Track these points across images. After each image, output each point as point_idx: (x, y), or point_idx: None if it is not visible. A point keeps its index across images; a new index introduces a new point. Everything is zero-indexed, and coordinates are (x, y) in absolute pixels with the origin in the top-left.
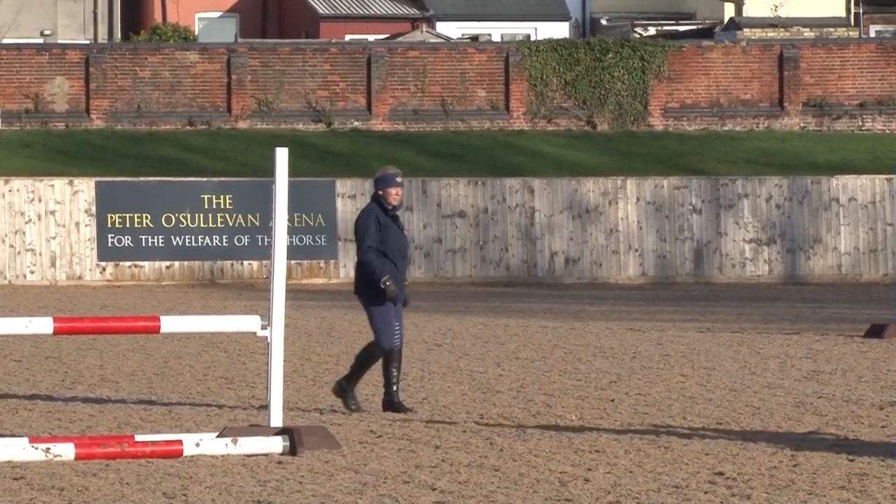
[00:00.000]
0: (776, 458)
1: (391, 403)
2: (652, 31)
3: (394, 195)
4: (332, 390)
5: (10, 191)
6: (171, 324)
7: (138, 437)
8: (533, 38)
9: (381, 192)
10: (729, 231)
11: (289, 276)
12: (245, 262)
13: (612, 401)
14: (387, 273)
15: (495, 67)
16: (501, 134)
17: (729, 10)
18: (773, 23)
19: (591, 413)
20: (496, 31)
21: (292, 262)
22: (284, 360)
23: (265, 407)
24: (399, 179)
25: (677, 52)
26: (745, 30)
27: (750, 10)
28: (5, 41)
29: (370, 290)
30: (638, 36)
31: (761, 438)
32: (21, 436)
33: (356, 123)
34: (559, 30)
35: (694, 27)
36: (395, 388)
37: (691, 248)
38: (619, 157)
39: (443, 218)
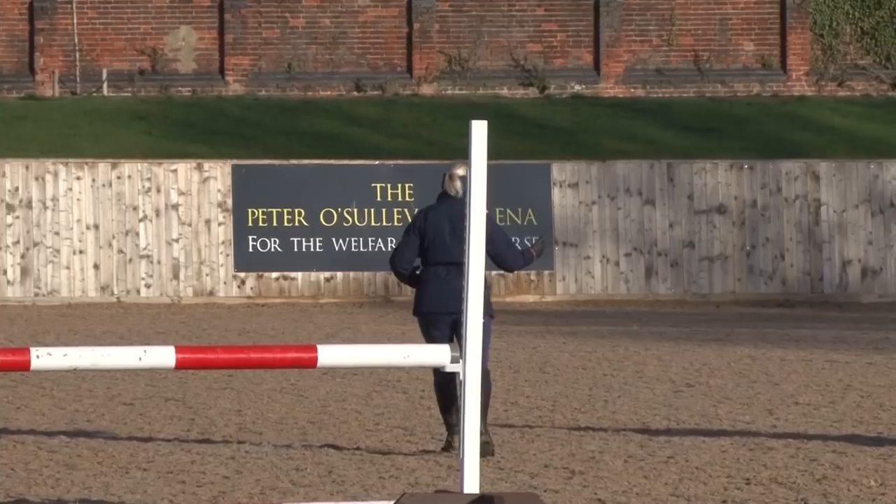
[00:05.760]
0: None
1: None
2: None
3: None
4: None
5: (118, 178)
6: (331, 355)
7: None
8: None
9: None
10: None
11: None
12: None
13: None
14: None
15: (767, 12)
16: (775, 101)
17: None
18: None
19: None
20: None
21: (493, 273)
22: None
23: (457, 467)
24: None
25: None
26: None
27: None
28: None
29: None
30: None
31: None
32: None
33: (579, 88)
34: None
35: None
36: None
37: None
38: None
39: (696, 214)
